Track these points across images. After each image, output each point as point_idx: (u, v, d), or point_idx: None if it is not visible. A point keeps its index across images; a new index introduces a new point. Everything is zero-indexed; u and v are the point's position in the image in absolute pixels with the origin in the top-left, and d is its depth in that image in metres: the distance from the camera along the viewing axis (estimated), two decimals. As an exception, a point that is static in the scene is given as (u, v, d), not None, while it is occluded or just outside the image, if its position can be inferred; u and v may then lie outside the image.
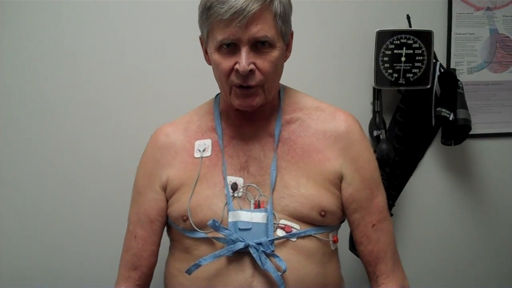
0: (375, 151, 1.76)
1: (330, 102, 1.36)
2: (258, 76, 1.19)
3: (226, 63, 1.19)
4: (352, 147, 1.29)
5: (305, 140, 1.28)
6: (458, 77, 1.82)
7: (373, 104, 1.83)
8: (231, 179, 1.26)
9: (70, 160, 1.77)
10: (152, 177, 1.33)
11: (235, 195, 1.25)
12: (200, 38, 1.28)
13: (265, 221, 1.22)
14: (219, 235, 1.21)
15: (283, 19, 1.20)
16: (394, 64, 1.78)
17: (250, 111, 1.27)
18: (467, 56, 1.90)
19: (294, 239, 1.23)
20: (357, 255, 1.35)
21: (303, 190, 1.24)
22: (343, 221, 1.34)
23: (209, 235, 1.23)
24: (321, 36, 1.83)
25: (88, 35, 1.74)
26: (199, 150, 1.31)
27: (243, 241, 1.19)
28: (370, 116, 1.85)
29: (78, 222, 1.79)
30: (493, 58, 1.91)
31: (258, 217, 1.22)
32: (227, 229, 1.21)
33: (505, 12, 1.90)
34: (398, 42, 1.78)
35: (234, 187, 1.25)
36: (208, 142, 1.31)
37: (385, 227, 1.31)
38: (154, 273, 1.37)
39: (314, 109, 1.32)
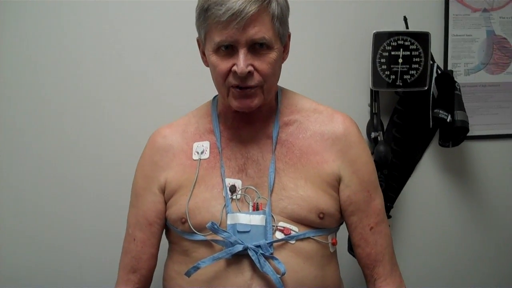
0: (372, 153, 1.76)
1: (327, 103, 1.36)
2: (256, 77, 1.19)
3: (224, 64, 1.18)
4: (350, 149, 1.29)
5: (303, 142, 1.28)
6: (455, 79, 1.82)
7: (371, 105, 1.83)
8: (229, 181, 1.26)
9: (69, 161, 1.77)
10: (150, 180, 1.32)
11: (234, 197, 1.25)
12: (197, 40, 1.28)
13: (263, 224, 1.22)
14: (218, 237, 1.21)
15: (281, 21, 1.20)
16: (391, 66, 1.78)
17: (248, 113, 1.26)
18: (464, 58, 1.90)
19: (293, 242, 1.23)
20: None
21: (302, 192, 1.24)
22: (341, 223, 1.34)
23: (208, 237, 1.23)
24: (318, 37, 1.83)
25: (88, 36, 1.74)
26: (197, 152, 1.30)
27: (242, 244, 1.19)
28: (367, 117, 1.84)
29: (78, 223, 1.79)
30: (490, 60, 1.92)
31: (256, 219, 1.22)
32: (225, 231, 1.20)
33: (501, 13, 1.90)
34: (395, 43, 1.78)
35: (233, 189, 1.25)
36: (206, 144, 1.31)
37: (382, 229, 1.31)
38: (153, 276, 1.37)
39: (312, 111, 1.32)
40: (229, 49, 1.17)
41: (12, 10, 1.70)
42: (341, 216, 1.31)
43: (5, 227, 1.77)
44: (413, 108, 1.85)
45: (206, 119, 1.35)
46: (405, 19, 1.83)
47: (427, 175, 1.93)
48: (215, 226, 1.19)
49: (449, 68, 1.88)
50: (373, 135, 1.80)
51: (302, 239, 1.23)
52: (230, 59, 1.18)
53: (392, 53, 1.78)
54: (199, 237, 1.24)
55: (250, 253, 1.19)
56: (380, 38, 1.77)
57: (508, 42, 1.92)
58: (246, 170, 1.27)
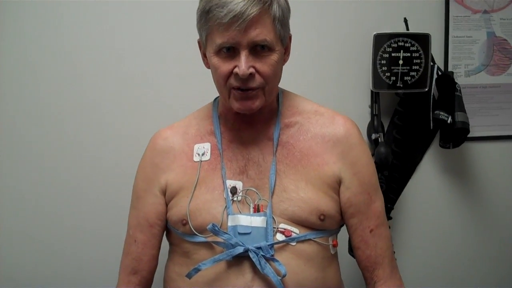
0: (373, 154, 1.76)
1: (328, 105, 1.36)
2: (258, 79, 1.19)
3: (225, 66, 1.18)
4: (350, 151, 1.29)
5: (304, 144, 1.28)
6: (455, 80, 1.82)
7: (371, 107, 1.83)
8: (230, 183, 1.26)
9: (70, 162, 1.77)
10: (151, 181, 1.32)
11: (235, 199, 1.25)
12: (198, 42, 1.28)
13: (264, 225, 1.22)
14: (219, 239, 1.21)
15: (282, 23, 1.20)
16: (392, 67, 1.78)
17: (249, 115, 1.26)
18: (464, 59, 1.90)
19: (293, 243, 1.22)
20: (356, 259, 1.35)
21: (302, 194, 1.24)
22: (342, 225, 1.34)
23: (209, 239, 1.23)
24: (319, 39, 1.83)
25: (88, 37, 1.74)
26: (198, 154, 1.30)
27: (242, 246, 1.19)
28: (368, 119, 1.84)
29: (78, 225, 1.79)
30: (491, 61, 1.92)
31: (257, 221, 1.22)
32: (226, 233, 1.20)
33: (502, 15, 1.90)
34: (396, 45, 1.78)
35: (234, 191, 1.25)
36: (207, 146, 1.31)
37: (382, 232, 1.31)
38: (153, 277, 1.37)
39: (313, 113, 1.32)
40: (230, 51, 1.17)
41: (12, 10, 1.70)
42: (342, 218, 1.31)
43: (5, 227, 1.77)
44: (414, 109, 1.86)
45: (207, 120, 1.35)
46: (405, 20, 1.83)
47: (428, 177, 1.93)
48: (216, 228, 1.19)
49: (449, 69, 1.88)
50: (373, 136, 1.80)
51: (303, 241, 1.23)
52: (232, 61, 1.18)
53: (393, 54, 1.78)
54: (200, 238, 1.24)
55: (251, 255, 1.18)
56: (380, 40, 1.77)
57: (509, 43, 1.92)
58: (247, 172, 1.27)
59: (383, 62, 1.78)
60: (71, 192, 1.78)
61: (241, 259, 1.21)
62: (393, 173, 1.86)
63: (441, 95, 1.82)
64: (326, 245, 1.27)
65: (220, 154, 1.29)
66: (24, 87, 1.74)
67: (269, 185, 1.24)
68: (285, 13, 1.22)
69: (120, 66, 1.76)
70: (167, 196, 1.31)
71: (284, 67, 1.28)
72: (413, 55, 1.78)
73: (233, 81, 1.19)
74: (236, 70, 1.17)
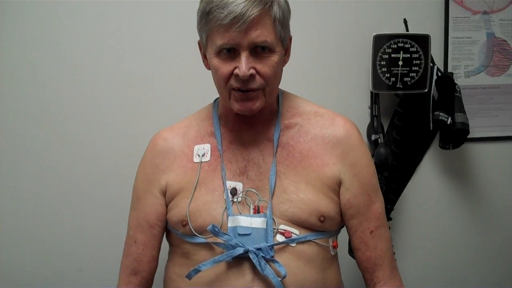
0: (373, 155, 1.76)
1: (327, 106, 1.36)
2: (258, 80, 1.19)
3: (226, 67, 1.18)
4: (350, 152, 1.29)
5: (304, 145, 1.28)
6: (455, 81, 1.82)
7: (371, 108, 1.83)
8: (230, 184, 1.26)
9: (70, 163, 1.77)
10: (151, 182, 1.32)
11: (235, 200, 1.25)
12: (199, 43, 1.28)
13: (264, 226, 1.22)
14: (219, 240, 1.21)
15: (282, 24, 1.20)
16: (392, 68, 1.78)
17: (249, 116, 1.26)
18: (464, 60, 1.90)
19: (293, 245, 1.22)
20: (356, 260, 1.35)
21: (302, 195, 1.24)
22: (342, 226, 1.34)
23: (209, 240, 1.23)
24: (319, 40, 1.83)
25: (88, 38, 1.74)
26: (198, 155, 1.30)
27: (242, 247, 1.19)
28: (368, 120, 1.84)
29: (78, 225, 1.79)
30: (490, 62, 1.92)
31: (257, 222, 1.22)
32: (226, 234, 1.20)
33: (501, 16, 1.90)
34: (395, 46, 1.78)
35: (234, 192, 1.25)
36: (207, 147, 1.31)
37: (382, 233, 1.31)
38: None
39: (313, 114, 1.32)
40: (231, 52, 1.17)
41: (12, 10, 1.70)
42: (342, 220, 1.31)
43: (5, 227, 1.77)
44: (413, 110, 1.86)
45: (207, 121, 1.35)
46: (405, 21, 1.83)
47: (428, 177, 1.93)
48: (216, 229, 1.19)
49: (449, 70, 1.89)
50: (373, 137, 1.80)
51: (303, 242, 1.23)
52: (232, 62, 1.18)
53: (392, 55, 1.78)
54: (200, 239, 1.24)
55: (251, 256, 1.18)
56: (380, 41, 1.77)
57: (508, 44, 1.92)
58: (247, 173, 1.27)
59: (383, 63, 1.78)
60: (71, 192, 1.78)
61: (241, 260, 1.21)
62: (393, 174, 1.86)
63: (441, 96, 1.82)
64: (326, 246, 1.27)
65: (220, 155, 1.29)
66: (24, 87, 1.74)
67: (269, 186, 1.24)
68: (286, 14, 1.22)
69: (120, 67, 1.76)
70: (167, 197, 1.31)
71: (284, 68, 1.28)
72: (413, 56, 1.78)
73: (233, 82, 1.19)
74: (236, 71, 1.17)
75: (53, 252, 1.79)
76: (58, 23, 1.73)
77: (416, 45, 1.78)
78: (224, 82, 1.20)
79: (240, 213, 1.23)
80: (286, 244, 1.22)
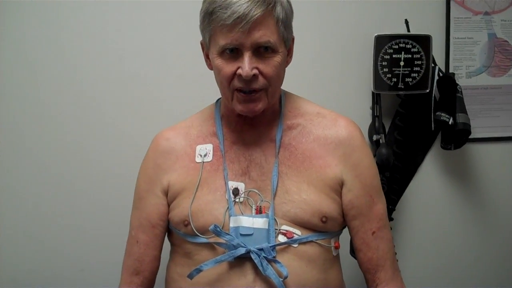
0: (374, 156, 1.76)
1: (329, 106, 1.36)
2: (261, 80, 1.19)
3: (229, 68, 1.18)
4: (353, 153, 1.29)
5: (306, 146, 1.28)
6: (457, 81, 1.82)
7: (372, 108, 1.83)
8: (232, 184, 1.26)
9: (71, 163, 1.77)
10: (153, 182, 1.32)
11: (237, 200, 1.25)
12: (201, 43, 1.28)
13: (266, 227, 1.22)
14: (221, 240, 1.21)
15: (285, 24, 1.20)
16: (393, 69, 1.78)
17: (252, 116, 1.26)
18: (465, 61, 1.90)
19: (295, 245, 1.22)
20: (358, 260, 1.35)
21: (304, 196, 1.24)
22: (344, 227, 1.34)
23: (211, 240, 1.23)
24: (320, 40, 1.83)
25: (89, 38, 1.74)
26: (200, 155, 1.30)
27: (244, 247, 1.19)
28: (369, 120, 1.84)
29: (79, 225, 1.79)
30: (492, 62, 1.92)
31: (259, 222, 1.22)
32: (228, 234, 1.20)
33: (503, 16, 1.90)
34: (397, 46, 1.78)
35: (236, 192, 1.25)
36: (209, 147, 1.31)
37: (384, 235, 1.31)
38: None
39: (315, 115, 1.32)
40: (234, 53, 1.17)
41: (12, 10, 1.70)
42: (344, 220, 1.30)
43: (5, 227, 1.77)
44: (415, 110, 1.85)
45: (209, 122, 1.35)
46: (406, 22, 1.83)
47: (429, 178, 1.93)
48: (218, 229, 1.19)
49: (450, 70, 1.89)
50: (375, 137, 1.80)
51: (304, 243, 1.23)
52: (235, 62, 1.18)
53: (394, 56, 1.78)
54: (202, 239, 1.24)
55: (253, 256, 1.18)
56: (381, 41, 1.77)
57: (510, 44, 1.92)
58: (249, 173, 1.27)
59: (384, 63, 1.78)
60: (72, 192, 1.78)
61: (243, 260, 1.21)
62: (395, 174, 1.86)
63: (442, 97, 1.82)
64: (328, 247, 1.27)
65: (222, 155, 1.29)
66: (24, 87, 1.74)
67: (271, 187, 1.24)
68: (288, 15, 1.22)
69: (121, 67, 1.76)
70: (169, 197, 1.31)
71: (286, 68, 1.28)
72: (414, 57, 1.78)
73: (236, 83, 1.19)
74: (239, 71, 1.17)
75: (55, 252, 1.79)
76: (58, 23, 1.73)
77: (417, 46, 1.78)
78: (227, 82, 1.20)
79: (242, 214, 1.23)
80: (288, 245, 1.22)
